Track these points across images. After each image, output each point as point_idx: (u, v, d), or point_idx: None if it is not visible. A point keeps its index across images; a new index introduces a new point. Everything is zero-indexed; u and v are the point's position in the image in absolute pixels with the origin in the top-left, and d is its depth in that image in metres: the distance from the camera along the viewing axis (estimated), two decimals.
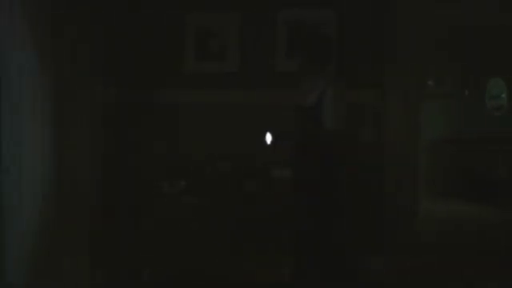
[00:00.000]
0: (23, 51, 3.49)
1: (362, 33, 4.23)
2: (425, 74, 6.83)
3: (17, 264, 3.49)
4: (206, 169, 4.23)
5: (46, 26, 3.68)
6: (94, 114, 4.02)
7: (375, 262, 4.06)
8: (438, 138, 7.14)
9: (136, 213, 4.32)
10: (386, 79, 4.18)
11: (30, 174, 3.62)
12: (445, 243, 4.77)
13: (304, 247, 3.59)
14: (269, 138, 3.57)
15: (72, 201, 3.98)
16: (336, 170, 3.54)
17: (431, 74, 7.20)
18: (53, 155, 3.84)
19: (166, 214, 4.17)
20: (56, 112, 3.88)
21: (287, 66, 4.26)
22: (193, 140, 4.37)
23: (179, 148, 4.40)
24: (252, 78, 4.35)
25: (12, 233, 3.44)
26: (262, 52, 4.35)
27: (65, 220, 3.95)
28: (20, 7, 3.44)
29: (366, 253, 4.07)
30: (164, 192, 4.24)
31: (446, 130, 7.21)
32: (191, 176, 4.27)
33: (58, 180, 3.90)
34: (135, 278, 4.06)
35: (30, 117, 3.61)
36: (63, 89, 3.92)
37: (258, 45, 4.36)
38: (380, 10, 4.19)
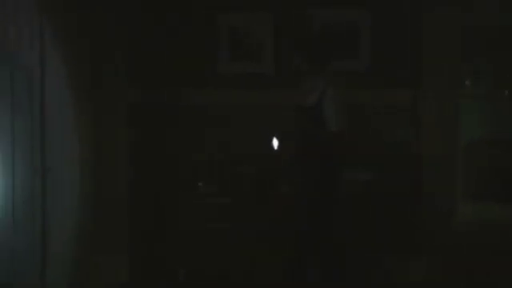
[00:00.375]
0: (60, 53, 3.57)
1: (398, 32, 4.18)
2: (462, 74, 6.71)
3: (58, 263, 3.57)
4: (239, 169, 4.24)
5: (77, 28, 3.76)
6: (129, 115, 4.08)
7: (413, 263, 4.01)
8: (476, 139, 7.00)
9: (170, 213, 4.37)
10: (424, 79, 4.12)
11: (70, 174, 3.70)
12: (481, 244, 4.68)
13: (304, 247, 3.57)
14: (275, 143, 3.59)
15: (109, 201, 4.05)
16: (336, 171, 3.53)
17: (469, 73, 7.07)
18: (91, 156, 3.91)
19: (198, 215, 4.20)
20: (94, 113, 3.95)
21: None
22: (229, 140, 4.38)
23: (214, 149, 4.43)
24: (285, 79, 4.33)
25: (54, 232, 3.52)
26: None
27: (103, 220, 4.02)
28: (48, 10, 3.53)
29: (404, 253, 4.03)
30: (197, 193, 4.27)
31: (483, 130, 7.06)
32: (224, 177, 4.30)
33: (96, 180, 3.98)
34: (171, 278, 4.10)
35: (69, 118, 3.69)
36: (100, 90, 4.00)
37: (291, 45, 4.35)
38: (415, 9, 4.13)
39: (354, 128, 4.08)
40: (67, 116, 3.67)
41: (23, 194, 3.24)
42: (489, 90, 7.16)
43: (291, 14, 4.30)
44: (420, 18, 4.11)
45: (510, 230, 5.32)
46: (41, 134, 3.38)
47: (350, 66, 4.20)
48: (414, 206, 4.12)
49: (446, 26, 4.09)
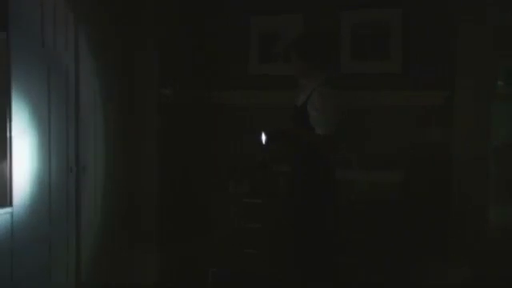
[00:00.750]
0: (95, 54, 3.64)
1: (429, 33, 4.14)
2: (495, 74, 6.60)
3: (90, 258, 3.63)
4: (268, 168, 4.25)
5: (114, 30, 3.82)
6: (161, 114, 4.13)
7: (443, 268, 3.98)
8: (509, 140, 6.87)
9: (202, 212, 4.40)
10: (456, 80, 4.08)
11: (102, 172, 3.77)
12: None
13: (295, 250, 3.48)
14: (263, 138, 3.49)
15: (140, 200, 4.10)
16: (318, 171, 3.38)
17: (502, 73, 6.94)
18: (122, 155, 3.97)
19: (231, 214, 4.22)
20: (126, 114, 4.01)
21: (351, 68, 4.25)
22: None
23: (244, 148, 4.46)
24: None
25: (86, 227, 3.60)
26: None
27: (134, 219, 4.08)
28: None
29: (437, 259, 4.00)
30: (229, 192, 4.29)
31: None
32: (255, 176, 4.31)
33: (128, 179, 4.03)
34: (202, 278, 4.12)
35: (102, 118, 3.76)
36: (134, 91, 4.06)
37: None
38: (447, 9, 4.09)
39: (381, 128, 4.09)
40: (99, 116, 3.74)
41: (58, 190, 3.32)
42: None
43: (322, 15, 4.31)
44: (453, 18, 4.07)
45: None
46: (75, 134, 3.46)
47: (381, 66, 4.20)
48: (445, 208, 4.08)
49: (479, 26, 4.04)
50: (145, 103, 4.07)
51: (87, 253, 3.60)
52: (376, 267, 3.91)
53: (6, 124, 2.92)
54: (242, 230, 4.19)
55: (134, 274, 4.04)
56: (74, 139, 3.47)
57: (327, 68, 3.52)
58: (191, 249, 4.36)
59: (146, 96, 4.08)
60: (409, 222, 3.98)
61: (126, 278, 3.98)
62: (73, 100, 3.45)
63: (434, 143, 4.12)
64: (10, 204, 2.93)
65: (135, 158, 4.09)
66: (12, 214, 2.93)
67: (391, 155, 4.16)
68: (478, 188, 4.09)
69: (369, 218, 3.95)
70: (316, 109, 3.30)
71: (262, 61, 4.47)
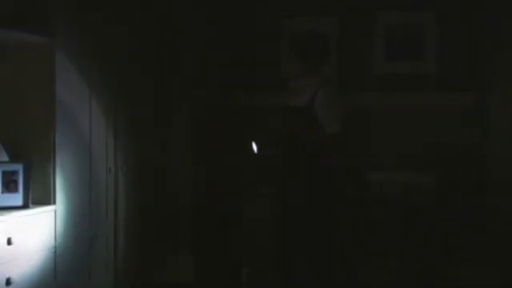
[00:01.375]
0: (133, 60, 3.72)
1: (465, 34, 4.13)
2: None
3: (126, 256, 3.69)
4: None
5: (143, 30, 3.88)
6: (196, 115, 4.18)
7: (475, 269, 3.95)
8: None
9: (234, 213, 4.43)
10: (491, 82, 4.06)
11: (139, 173, 3.83)
12: None
13: (295, 248, 3.52)
14: (254, 147, 3.54)
15: (175, 200, 4.15)
16: (325, 171, 3.41)
17: None
18: (157, 156, 4.03)
19: (262, 214, 4.24)
20: (161, 115, 4.08)
21: (386, 69, 4.25)
22: None
23: None
24: (349, 82, 4.35)
25: (126, 229, 3.66)
26: (360, 55, 4.36)
27: (168, 219, 4.13)
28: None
29: (466, 259, 3.98)
30: (260, 192, 4.32)
31: None
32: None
33: (161, 179, 4.09)
34: (235, 277, 4.15)
35: (137, 119, 3.83)
36: (171, 92, 4.12)
37: (355, 48, 4.38)
38: (481, 11, 4.08)
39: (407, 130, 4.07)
40: (135, 119, 3.80)
41: (99, 189, 3.40)
42: None
43: (356, 17, 4.33)
44: (484, 19, 4.05)
45: None
46: (114, 137, 3.53)
47: (415, 68, 4.20)
48: (477, 209, 4.06)
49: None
50: (185, 103, 4.13)
51: (125, 252, 3.66)
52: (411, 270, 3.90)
53: (51, 128, 3.01)
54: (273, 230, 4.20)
55: (170, 273, 4.08)
56: (113, 141, 3.54)
57: (325, 68, 3.56)
58: (226, 248, 4.39)
59: (180, 97, 4.15)
60: (441, 223, 3.97)
61: (163, 277, 4.03)
62: (112, 102, 3.52)
63: (467, 145, 4.11)
64: (54, 202, 3.01)
65: (169, 159, 4.15)
66: (55, 211, 3.01)
67: (423, 156, 4.16)
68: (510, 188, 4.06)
69: (400, 219, 3.95)
70: (326, 107, 3.33)
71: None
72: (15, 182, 2.95)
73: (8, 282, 2.70)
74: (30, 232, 2.87)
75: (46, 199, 3.01)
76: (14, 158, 3.01)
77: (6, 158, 2.99)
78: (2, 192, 2.92)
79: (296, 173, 3.47)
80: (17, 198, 2.93)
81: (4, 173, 2.94)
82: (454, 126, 4.15)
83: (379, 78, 4.30)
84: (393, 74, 4.26)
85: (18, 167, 2.96)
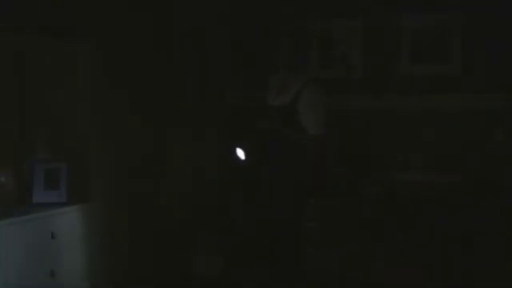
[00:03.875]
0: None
1: (493, 34, 4.12)
2: None
3: (162, 253, 3.83)
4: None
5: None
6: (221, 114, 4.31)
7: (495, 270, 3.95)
8: None
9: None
10: None
11: (176, 169, 3.97)
12: None
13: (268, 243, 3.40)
14: (241, 153, 3.42)
15: (209, 199, 4.29)
16: (310, 170, 3.31)
17: None
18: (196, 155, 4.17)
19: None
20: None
21: (411, 71, 4.31)
22: None
23: None
24: (375, 83, 4.41)
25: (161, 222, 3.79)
26: (385, 57, 4.40)
27: (201, 218, 4.25)
28: None
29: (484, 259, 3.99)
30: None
31: None
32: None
33: (199, 176, 4.24)
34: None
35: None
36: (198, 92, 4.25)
37: (381, 50, 4.42)
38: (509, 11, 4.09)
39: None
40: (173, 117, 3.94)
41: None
42: None
43: (381, 20, 4.38)
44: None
45: None
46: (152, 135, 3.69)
47: (441, 70, 4.23)
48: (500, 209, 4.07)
49: None
50: (209, 103, 4.25)
51: (160, 245, 3.79)
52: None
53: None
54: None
55: (199, 266, 4.20)
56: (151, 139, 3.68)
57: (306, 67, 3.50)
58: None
59: (209, 96, 4.26)
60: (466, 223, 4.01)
61: (193, 269, 4.16)
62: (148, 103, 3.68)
63: (495, 146, 4.12)
64: (88, 200, 3.18)
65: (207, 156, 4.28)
66: (93, 208, 3.17)
67: (450, 157, 4.19)
68: None
69: (427, 218, 3.98)
70: (310, 108, 3.23)
71: (323, 65, 4.54)
72: (57, 181, 3.13)
73: (52, 273, 2.87)
74: (71, 227, 3.04)
75: (83, 197, 3.18)
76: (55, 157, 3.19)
77: (48, 156, 3.17)
78: (44, 189, 3.10)
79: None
80: (59, 195, 3.11)
81: (47, 171, 3.12)
82: (481, 127, 4.17)
83: (405, 80, 4.33)
84: (418, 76, 4.27)
85: (61, 166, 3.13)
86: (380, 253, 4.04)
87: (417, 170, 4.23)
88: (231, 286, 4.03)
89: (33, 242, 2.75)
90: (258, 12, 4.64)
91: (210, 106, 4.30)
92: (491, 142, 4.13)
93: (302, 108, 3.23)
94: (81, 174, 3.18)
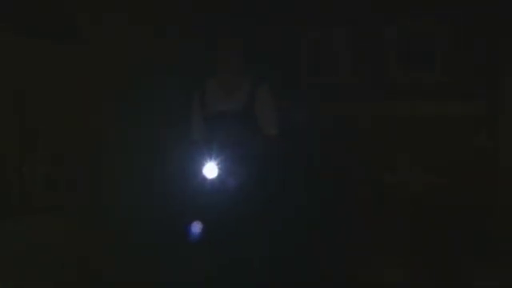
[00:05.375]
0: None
1: (475, 44, 4.25)
2: None
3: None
4: None
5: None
6: None
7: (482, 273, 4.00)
8: None
9: None
10: (501, 90, 4.18)
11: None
12: None
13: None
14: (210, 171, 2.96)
15: None
16: (263, 174, 3.08)
17: None
18: None
19: None
20: None
21: (397, 78, 4.44)
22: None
23: None
24: (363, 89, 4.54)
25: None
26: (372, 64, 4.53)
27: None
28: None
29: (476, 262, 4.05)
30: None
31: None
32: None
33: None
34: None
35: None
36: None
37: (367, 57, 4.55)
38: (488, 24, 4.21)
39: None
40: None
41: None
42: None
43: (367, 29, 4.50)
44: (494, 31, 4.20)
45: None
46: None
47: (427, 77, 4.37)
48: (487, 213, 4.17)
49: None
50: None
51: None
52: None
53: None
54: None
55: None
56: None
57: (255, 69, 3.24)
58: None
59: None
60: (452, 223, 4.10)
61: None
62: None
63: (477, 150, 4.24)
64: None
65: None
66: None
67: (436, 160, 4.30)
68: None
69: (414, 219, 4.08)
70: (268, 108, 3.08)
71: (311, 72, 4.68)
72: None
73: None
74: None
75: None
76: None
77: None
78: None
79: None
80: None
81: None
82: (465, 132, 4.29)
83: (392, 87, 4.46)
84: (405, 82, 4.41)
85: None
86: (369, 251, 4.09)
87: (404, 171, 4.34)
88: None
89: None
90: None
91: None
92: (474, 145, 4.26)
93: (261, 108, 3.08)
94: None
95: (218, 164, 2.91)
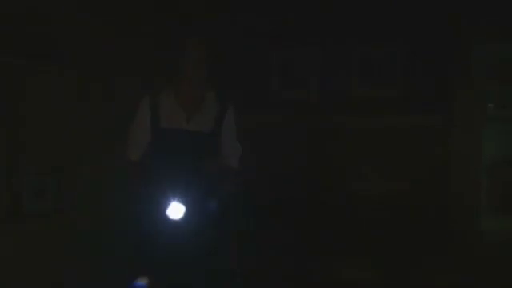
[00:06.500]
0: None
1: (430, 61, 4.56)
2: (488, 99, 6.98)
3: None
4: None
5: None
6: None
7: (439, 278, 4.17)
8: (500, 159, 7.28)
9: None
10: (454, 105, 4.49)
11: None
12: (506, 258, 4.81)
13: None
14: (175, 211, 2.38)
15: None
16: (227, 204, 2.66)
17: (493, 97, 7.32)
18: None
19: None
20: None
21: (361, 92, 4.73)
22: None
23: None
24: (329, 104, 4.80)
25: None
26: (339, 80, 4.80)
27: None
28: None
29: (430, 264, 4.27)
30: None
31: (507, 150, 7.33)
32: None
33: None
34: None
35: None
36: None
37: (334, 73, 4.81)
38: (446, 41, 4.52)
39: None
40: None
41: None
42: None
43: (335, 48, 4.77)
44: (450, 49, 4.51)
45: None
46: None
47: (388, 93, 4.68)
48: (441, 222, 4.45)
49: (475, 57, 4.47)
50: None
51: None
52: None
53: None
54: None
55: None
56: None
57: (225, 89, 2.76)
58: None
59: None
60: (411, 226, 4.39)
61: None
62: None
63: (434, 159, 4.54)
64: None
65: None
66: None
67: (398, 169, 4.58)
68: (470, 202, 4.51)
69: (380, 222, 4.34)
70: (234, 134, 2.64)
71: (283, 87, 4.91)
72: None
73: None
74: None
75: None
76: None
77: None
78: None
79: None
80: None
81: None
82: (423, 144, 4.59)
83: (355, 102, 4.75)
84: (367, 97, 4.68)
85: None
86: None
87: (369, 180, 4.61)
88: None
89: None
90: None
91: None
92: (432, 154, 4.55)
93: (229, 134, 2.61)
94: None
95: (182, 202, 2.28)
